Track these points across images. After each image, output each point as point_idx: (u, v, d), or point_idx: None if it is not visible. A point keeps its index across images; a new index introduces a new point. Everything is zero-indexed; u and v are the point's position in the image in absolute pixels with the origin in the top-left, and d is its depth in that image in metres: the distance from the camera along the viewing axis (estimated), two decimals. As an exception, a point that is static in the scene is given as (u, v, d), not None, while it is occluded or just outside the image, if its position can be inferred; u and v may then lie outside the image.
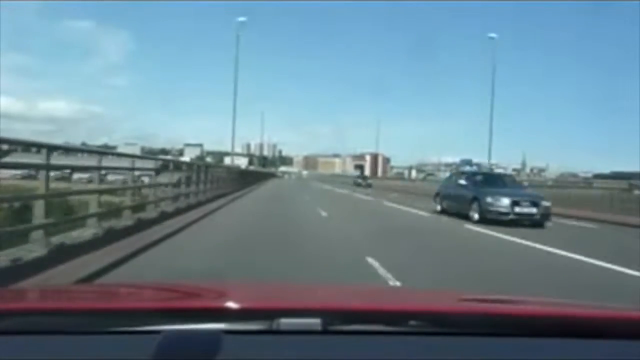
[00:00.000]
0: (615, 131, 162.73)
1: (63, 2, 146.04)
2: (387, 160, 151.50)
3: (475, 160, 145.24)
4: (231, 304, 1.04)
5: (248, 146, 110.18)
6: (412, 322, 1.00)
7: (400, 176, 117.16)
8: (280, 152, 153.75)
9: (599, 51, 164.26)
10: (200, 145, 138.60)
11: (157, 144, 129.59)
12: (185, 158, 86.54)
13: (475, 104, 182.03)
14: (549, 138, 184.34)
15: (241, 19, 49.75)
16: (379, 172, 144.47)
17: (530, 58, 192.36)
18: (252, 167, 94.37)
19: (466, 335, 0.99)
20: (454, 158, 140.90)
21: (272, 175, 77.13)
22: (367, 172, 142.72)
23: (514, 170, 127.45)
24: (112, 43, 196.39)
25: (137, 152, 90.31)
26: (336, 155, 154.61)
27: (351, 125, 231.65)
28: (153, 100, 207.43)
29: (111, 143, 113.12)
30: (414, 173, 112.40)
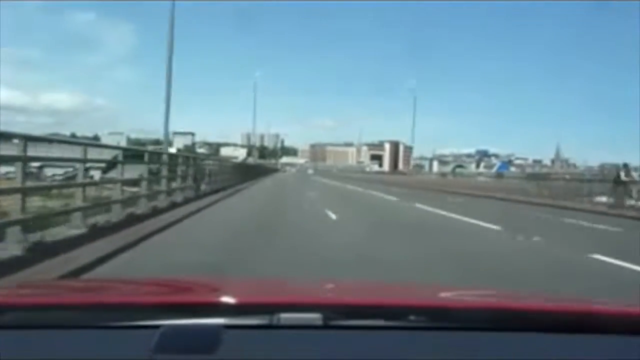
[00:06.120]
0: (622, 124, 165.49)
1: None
2: (409, 150, 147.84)
3: (491, 150, 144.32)
4: (231, 299, 1.13)
5: (248, 137, 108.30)
6: (412, 317, 1.08)
7: (419, 169, 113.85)
8: (282, 142, 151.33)
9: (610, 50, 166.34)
10: (192, 134, 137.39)
11: (161, 137, 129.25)
12: (172, 149, 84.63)
13: (485, 95, 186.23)
14: (564, 130, 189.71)
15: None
16: (400, 164, 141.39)
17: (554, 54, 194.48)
18: (251, 159, 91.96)
19: (467, 330, 1.07)
20: (467, 149, 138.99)
21: (267, 171, 62.98)
22: (386, 163, 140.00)
23: (535, 161, 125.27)
24: (115, 35, 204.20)
25: (123, 142, 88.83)
26: (349, 144, 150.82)
27: (356, 118, 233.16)
28: (157, 92, 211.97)
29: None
30: (435, 165, 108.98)
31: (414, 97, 56.76)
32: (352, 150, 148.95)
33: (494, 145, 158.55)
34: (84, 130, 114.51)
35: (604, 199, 21.61)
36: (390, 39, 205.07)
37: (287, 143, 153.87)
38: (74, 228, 7.40)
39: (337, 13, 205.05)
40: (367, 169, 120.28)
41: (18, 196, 6.05)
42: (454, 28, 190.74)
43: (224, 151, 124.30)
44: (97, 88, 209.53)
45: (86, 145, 8.90)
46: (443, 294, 1.56)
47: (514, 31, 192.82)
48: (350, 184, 37.68)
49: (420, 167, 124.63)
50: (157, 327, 0.96)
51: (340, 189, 32.03)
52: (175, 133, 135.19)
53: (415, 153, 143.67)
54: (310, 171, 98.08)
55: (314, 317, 1.03)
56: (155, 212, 10.84)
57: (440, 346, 1.01)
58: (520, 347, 1.02)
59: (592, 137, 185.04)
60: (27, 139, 6.33)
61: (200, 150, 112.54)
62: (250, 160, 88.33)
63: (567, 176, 35.81)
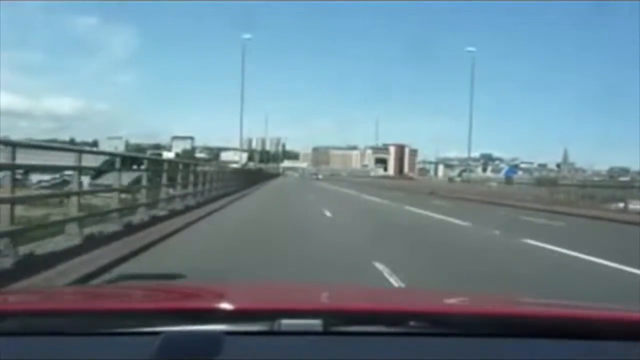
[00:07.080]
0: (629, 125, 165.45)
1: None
2: (414, 153, 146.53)
3: (495, 154, 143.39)
4: (232, 305, 1.14)
5: (250, 141, 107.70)
6: (412, 323, 1.09)
7: (424, 173, 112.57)
8: (284, 146, 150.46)
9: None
10: (191, 138, 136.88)
11: (162, 142, 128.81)
12: (170, 154, 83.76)
13: (486, 98, 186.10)
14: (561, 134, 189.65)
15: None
16: (406, 168, 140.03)
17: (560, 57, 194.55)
18: (251, 164, 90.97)
19: (467, 336, 1.08)
20: (471, 152, 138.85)
21: (268, 177, 59.21)
22: (391, 166, 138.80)
23: (540, 165, 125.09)
24: (116, 40, 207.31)
25: (121, 147, 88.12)
26: (352, 148, 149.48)
27: (358, 120, 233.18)
28: (159, 97, 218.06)
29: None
30: (440, 169, 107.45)
31: (472, 65, 51.04)
32: (355, 153, 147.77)
33: (496, 149, 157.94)
34: (84, 135, 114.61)
35: (621, 205, 20.51)
36: (390, 39, 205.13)
37: (288, 147, 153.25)
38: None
39: (337, 13, 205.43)
40: (372, 173, 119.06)
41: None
42: (454, 30, 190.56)
43: (225, 155, 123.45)
44: (98, 92, 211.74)
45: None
46: (444, 300, 1.57)
47: (514, 32, 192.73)
48: (392, 200, 24.67)
49: (426, 171, 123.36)
50: (157, 333, 0.97)
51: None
52: (175, 138, 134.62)
53: (420, 156, 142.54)
54: (320, 176, 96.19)
55: (315, 323, 1.03)
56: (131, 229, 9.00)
57: (440, 352, 1.02)
58: (520, 353, 1.03)
59: (598, 140, 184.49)
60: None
61: (200, 155, 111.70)
62: (251, 165, 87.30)
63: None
